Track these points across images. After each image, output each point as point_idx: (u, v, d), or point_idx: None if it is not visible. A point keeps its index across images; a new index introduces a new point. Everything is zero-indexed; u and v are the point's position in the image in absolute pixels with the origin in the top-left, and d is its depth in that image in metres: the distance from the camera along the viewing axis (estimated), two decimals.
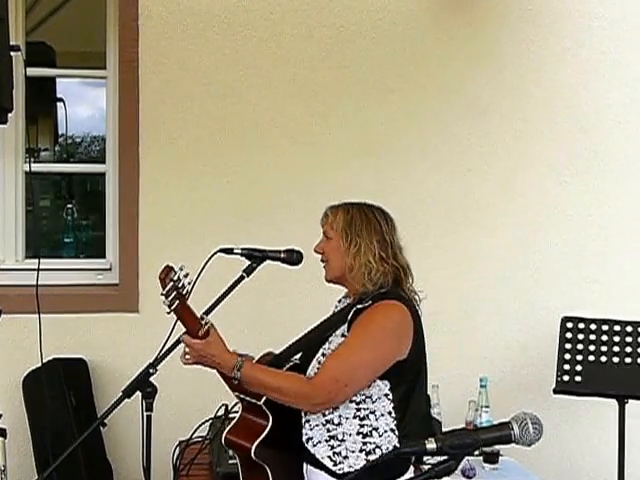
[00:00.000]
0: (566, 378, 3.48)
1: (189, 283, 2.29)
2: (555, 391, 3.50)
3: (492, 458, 3.32)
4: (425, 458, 2.70)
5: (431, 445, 1.58)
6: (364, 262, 2.48)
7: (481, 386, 3.53)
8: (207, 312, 2.40)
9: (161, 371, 2.34)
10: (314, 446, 2.45)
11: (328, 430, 2.44)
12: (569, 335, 3.56)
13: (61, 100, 5.92)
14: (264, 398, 2.41)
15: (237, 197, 3.92)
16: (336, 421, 2.43)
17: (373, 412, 2.43)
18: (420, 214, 3.99)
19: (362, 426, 2.42)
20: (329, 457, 2.43)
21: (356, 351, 2.40)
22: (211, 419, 3.16)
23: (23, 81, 3.64)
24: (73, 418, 3.57)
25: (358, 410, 2.43)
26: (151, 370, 2.32)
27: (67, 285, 3.94)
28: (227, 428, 2.49)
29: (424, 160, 4.02)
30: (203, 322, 2.36)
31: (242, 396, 2.48)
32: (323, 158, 3.95)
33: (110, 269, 4.01)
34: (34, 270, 3.06)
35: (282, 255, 2.57)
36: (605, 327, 3.53)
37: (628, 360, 3.46)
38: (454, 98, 4.03)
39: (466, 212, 4.04)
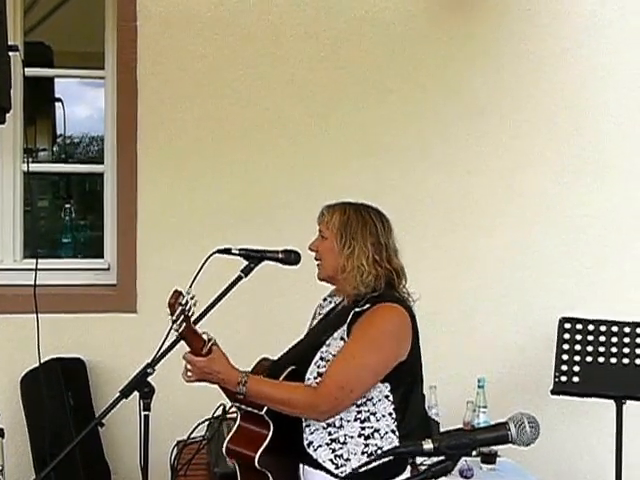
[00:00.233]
0: (564, 379, 3.48)
1: (194, 304, 2.30)
2: (553, 392, 3.50)
3: (490, 459, 3.32)
4: (422, 459, 2.71)
5: (428, 446, 1.59)
6: (357, 265, 2.49)
7: (479, 386, 3.54)
8: (205, 312, 2.40)
9: (159, 371, 2.34)
10: (315, 450, 2.46)
11: (329, 433, 2.45)
12: (567, 336, 3.56)
13: (59, 100, 5.92)
14: (265, 408, 2.42)
15: (235, 197, 3.92)
16: (337, 424, 2.44)
17: (374, 414, 2.45)
18: (419, 214, 3.99)
19: (363, 428, 2.44)
20: (330, 460, 2.44)
21: (359, 356, 2.41)
22: (209, 419, 3.16)
23: (21, 81, 3.64)
24: (71, 418, 3.57)
25: (359, 412, 2.44)
26: (149, 370, 2.32)
27: (65, 285, 3.94)
28: (227, 438, 2.48)
29: (423, 160, 4.02)
30: (206, 339, 2.36)
31: (241, 406, 2.48)
32: (322, 158, 3.95)
33: (108, 269, 4.01)
34: (32, 270, 3.07)
35: (280, 255, 2.57)
36: (603, 328, 3.53)
37: (626, 361, 3.46)
38: (453, 98, 4.03)
39: (465, 212, 4.04)
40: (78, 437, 2.33)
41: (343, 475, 2.41)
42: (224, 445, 2.47)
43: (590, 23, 4.09)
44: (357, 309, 2.48)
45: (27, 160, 4.00)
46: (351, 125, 3.97)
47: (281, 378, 2.50)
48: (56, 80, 5.77)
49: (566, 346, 3.54)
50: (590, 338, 3.53)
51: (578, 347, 3.53)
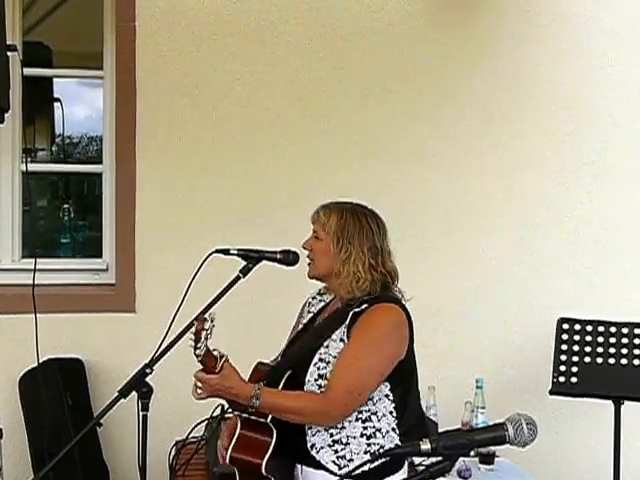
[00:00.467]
0: (562, 379, 3.48)
1: (214, 326, 2.31)
2: (551, 392, 3.50)
3: (488, 459, 3.32)
4: (420, 459, 2.72)
5: (426, 446, 1.59)
6: (353, 270, 2.49)
7: (477, 387, 3.54)
8: (203, 313, 2.40)
9: (157, 371, 2.34)
10: (318, 452, 2.47)
11: (331, 435, 2.46)
12: (565, 336, 3.56)
13: (58, 100, 5.92)
14: (270, 416, 2.42)
15: (235, 197, 3.92)
16: (339, 425, 2.45)
17: (375, 413, 2.46)
18: (418, 214, 3.99)
19: (365, 428, 2.45)
20: (333, 462, 2.45)
21: (362, 358, 2.42)
22: (207, 419, 3.15)
23: (20, 81, 3.65)
24: (69, 418, 3.57)
25: (360, 413, 2.46)
26: (147, 370, 2.32)
27: (64, 285, 3.94)
28: (230, 446, 2.48)
29: (422, 160, 4.02)
30: (218, 356, 2.36)
31: (243, 414, 2.47)
32: (321, 159, 3.96)
33: (107, 269, 4.01)
34: (31, 270, 3.06)
35: (278, 256, 2.56)
36: (601, 328, 3.54)
37: (624, 361, 3.46)
38: (452, 99, 4.03)
39: (464, 213, 4.04)
40: (76, 437, 2.33)
41: (342, 474, 2.42)
42: (227, 454, 2.47)
43: (589, 24, 4.09)
44: (356, 309, 2.48)
45: (26, 160, 4.00)
46: (350, 125, 3.97)
47: (281, 384, 2.50)
48: (55, 80, 5.76)
49: (564, 346, 3.54)
50: (588, 338, 3.53)
51: (576, 347, 3.53)
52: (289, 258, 2.57)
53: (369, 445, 2.45)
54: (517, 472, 3.37)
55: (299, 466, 2.53)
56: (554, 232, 4.09)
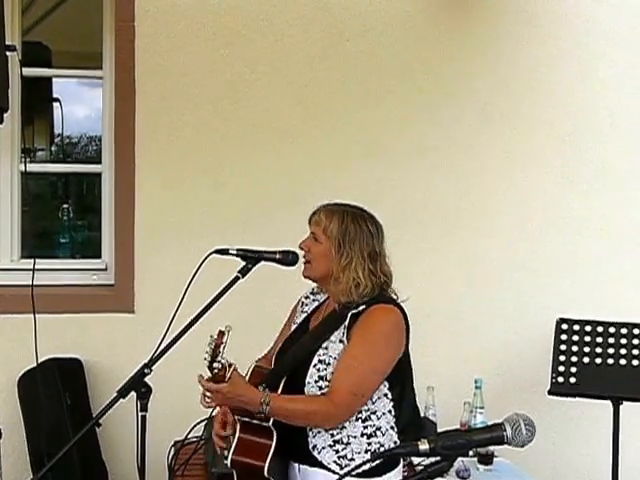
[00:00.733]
0: (561, 379, 3.49)
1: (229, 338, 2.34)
2: (550, 392, 3.50)
3: (487, 459, 3.32)
4: (419, 459, 2.73)
5: (424, 446, 1.59)
6: (353, 276, 2.50)
7: (476, 387, 3.54)
8: (201, 313, 2.40)
9: (156, 371, 2.34)
10: (319, 453, 2.48)
11: (332, 435, 2.48)
12: (564, 337, 3.57)
13: (57, 100, 5.92)
14: (272, 419, 2.42)
15: (233, 198, 3.92)
16: (340, 425, 2.47)
17: (374, 412, 2.49)
18: (418, 215, 3.99)
19: (365, 427, 2.48)
20: (335, 462, 2.46)
21: (364, 360, 2.44)
22: (206, 419, 3.16)
23: (19, 81, 3.64)
24: (68, 418, 3.57)
25: (360, 412, 2.48)
26: (146, 370, 2.32)
27: (63, 285, 3.94)
28: (231, 450, 2.48)
29: (422, 161, 4.02)
30: (227, 365, 2.36)
31: (245, 418, 2.47)
32: (321, 159, 3.95)
33: (106, 269, 4.01)
34: (30, 270, 3.06)
35: (277, 256, 2.57)
36: (600, 329, 3.54)
37: (623, 362, 3.46)
38: (452, 99, 4.03)
39: (464, 213, 4.04)
40: (75, 437, 2.33)
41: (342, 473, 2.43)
42: (229, 458, 2.47)
43: (588, 24, 4.09)
44: (354, 311, 2.50)
45: (25, 160, 3.99)
46: (350, 126, 3.97)
47: (280, 387, 2.50)
48: (54, 80, 5.76)
49: (563, 347, 3.55)
50: (587, 339, 3.54)
51: (575, 348, 3.53)
52: (288, 258, 2.57)
53: (369, 444, 2.47)
54: (516, 472, 3.37)
55: (296, 465, 2.55)
56: (554, 232, 4.09)
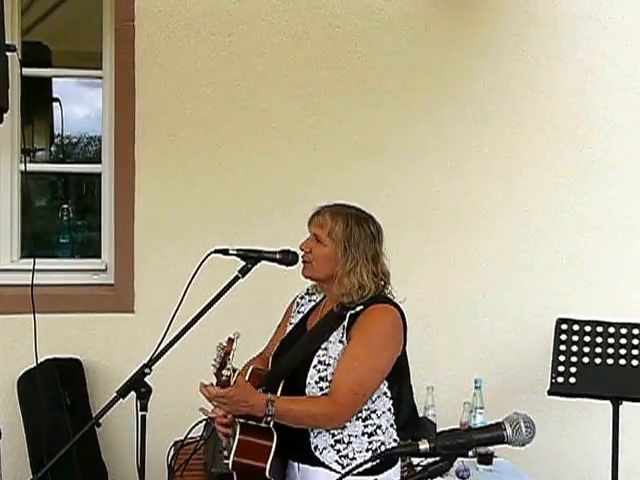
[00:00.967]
0: (560, 380, 3.48)
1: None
2: (550, 392, 3.50)
3: (486, 459, 3.32)
4: (419, 459, 2.74)
5: (424, 446, 1.59)
6: (357, 279, 2.51)
7: (476, 387, 3.54)
8: (201, 313, 2.41)
9: (156, 371, 2.35)
10: (321, 453, 2.49)
11: (333, 435, 2.49)
12: (564, 337, 3.57)
13: (57, 100, 5.92)
14: (272, 421, 2.42)
15: (233, 198, 3.92)
16: (341, 425, 2.47)
17: (374, 411, 2.51)
18: (418, 215, 3.99)
19: (366, 426, 2.50)
20: (336, 461, 2.47)
21: (365, 360, 2.45)
22: (206, 419, 3.16)
23: (19, 81, 3.64)
24: (68, 418, 3.57)
25: (360, 411, 2.49)
26: (146, 370, 2.32)
27: (62, 285, 3.94)
28: (232, 452, 2.48)
29: (422, 161, 4.02)
30: (232, 370, 2.37)
31: (246, 421, 2.47)
32: (321, 159, 3.95)
33: (105, 269, 4.01)
34: (29, 270, 3.06)
35: (277, 256, 2.57)
36: (599, 329, 3.54)
37: (622, 362, 3.46)
38: (452, 99, 4.03)
39: (464, 213, 4.04)
40: (75, 437, 2.33)
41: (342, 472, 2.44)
42: (230, 460, 2.47)
43: (588, 24, 4.09)
44: (352, 311, 2.51)
45: (25, 160, 4.00)
46: (350, 126, 3.97)
47: (279, 389, 2.50)
48: (54, 80, 5.76)
49: (563, 347, 3.54)
50: (587, 339, 3.53)
51: (575, 348, 3.53)
52: (288, 258, 2.58)
53: (370, 443, 2.50)
54: (515, 472, 3.37)
55: (296, 464, 2.55)
56: (553, 232, 4.09)
